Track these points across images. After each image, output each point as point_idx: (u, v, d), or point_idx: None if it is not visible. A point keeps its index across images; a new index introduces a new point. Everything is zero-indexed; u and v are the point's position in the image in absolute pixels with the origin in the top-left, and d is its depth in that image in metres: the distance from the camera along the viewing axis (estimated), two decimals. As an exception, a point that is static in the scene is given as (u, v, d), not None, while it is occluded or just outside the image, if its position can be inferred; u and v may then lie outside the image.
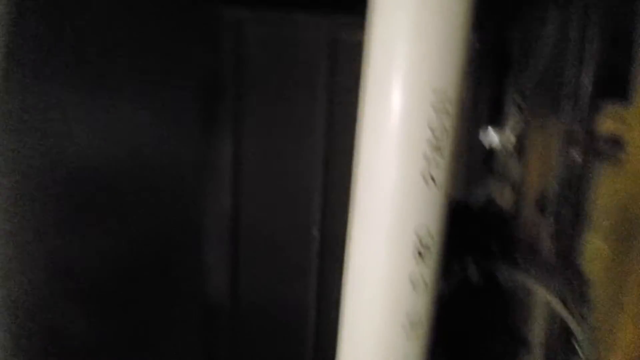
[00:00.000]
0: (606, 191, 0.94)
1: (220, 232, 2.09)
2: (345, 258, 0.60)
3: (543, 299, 1.01)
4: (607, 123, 0.97)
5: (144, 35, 0.96)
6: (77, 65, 0.75)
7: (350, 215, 0.59)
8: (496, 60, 1.72)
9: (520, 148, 1.36)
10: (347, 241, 0.58)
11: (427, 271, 0.53)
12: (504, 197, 1.47)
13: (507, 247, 1.43)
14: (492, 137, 1.37)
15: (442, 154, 0.52)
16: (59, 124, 0.73)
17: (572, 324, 0.99)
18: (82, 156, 0.79)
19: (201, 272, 1.47)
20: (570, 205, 1.04)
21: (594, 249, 1.01)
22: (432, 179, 0.51)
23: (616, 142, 0.94)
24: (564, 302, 1.02)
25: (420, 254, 0.52)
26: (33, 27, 0.64)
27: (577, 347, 0.97)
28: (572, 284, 1.06)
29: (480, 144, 1.50)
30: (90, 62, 0.79)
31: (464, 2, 0.51)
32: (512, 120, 1.43)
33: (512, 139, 1.37)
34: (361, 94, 0.58)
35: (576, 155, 1.00)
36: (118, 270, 0.93)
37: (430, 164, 0.51)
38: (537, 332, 1.10)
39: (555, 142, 1.04)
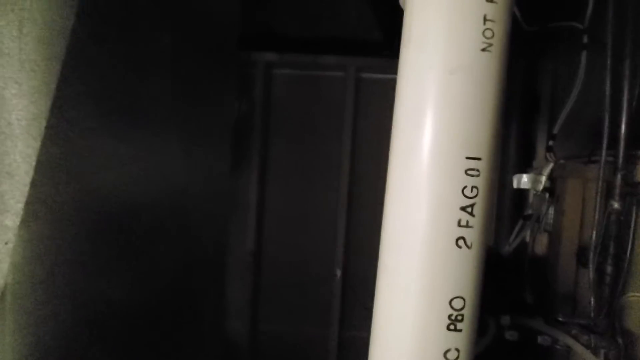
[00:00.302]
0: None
1: (242, 269, 2.08)
2: (373, 326, 0.57)
3: (583, 358, 0.92)
4: (647, 171, 0.92)
5: (182, 81, 1.01)
6: (119, 118, 0.80)
7: (378, 278, 0.56)
8: (527, 102, 1.69)
9: (554, 193, 1.31)
10: (375, 307, 0.56)
11: (462, 342, 0.49)
12: (539, 245, 1.40)
13: (543, 300, 1.33)
14: (523, 180, 1.33)
15: (476, 216, 0.49)
16: (101, 171, 0.76)
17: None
18: (121, 197, 0.82)
19: (223, 309, 1.45)
20: (611, 256, 0.97)
21: (638, 303, 0.92)
22: (466, 243, 0.49)
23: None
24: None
25: (454, 326, 0.48)
26: (78, 85, 0.69)
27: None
28: (616, 341, 0.96)
29: (511, 187, 1.46)
30: (130, 112, 0.83)
31: (498, 67, 0.50)
32: (544, 163, 1.39)
33: (545, 182, 1.33)
34: (390, 156, 0.57)
35: (616, 204, 0.95)
36: (144, 310, 0.93)
37: (464, 229, 0.49)
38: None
39: (594, 190, 1.00)
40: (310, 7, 1.83)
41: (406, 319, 0.50)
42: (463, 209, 0.49)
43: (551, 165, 1.31)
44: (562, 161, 1.28)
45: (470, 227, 0.49)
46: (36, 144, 0.62)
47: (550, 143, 1.32)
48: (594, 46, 1.18)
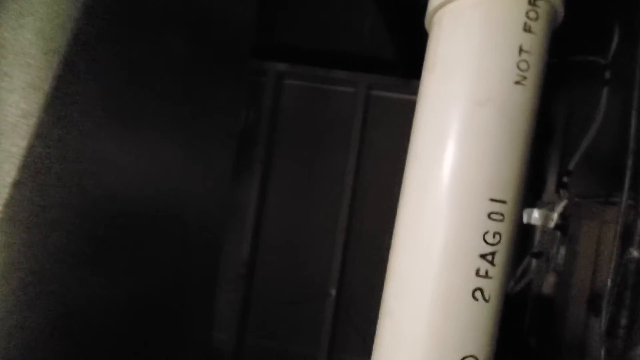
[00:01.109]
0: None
1: (234, 278, 2.02)
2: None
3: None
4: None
5: (189, 87, 0.97)
6: (117, 120, 0.75)
7: (380, 321, 0.51)
8: (539, 132, 1.64)
9: (566, 232, 1.25)
10: (375, 354, 0.50)
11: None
12: (546, 284, 1.34)
13: (548, 345, 1.26)
14: (534, 215, 1.28)
15: (497, 266, 0.44)
16: (92, 174, 0.71)
17: None
18: (113, 202, 0.77)
19: (211, 317, 1.39)
20: (626, 308, 0.91)
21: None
22: (484, 296, 0.43)
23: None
24: None
25: None
26: (76, 84, 0.65)
27: None
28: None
29: (520, 222, 1.39)
30: (129, 115, 0.79)
31: (531, 102, 0.46)
32: (556, 199, 1.34)
33: (556, 218, 1.28)
34: (403, 188, 0.52)
35: (635, 252, 0.89)
36: (125, 323, 0.87)
37: (482, 279, 0.43)
38: None
39: (611, 234, 0.94)
40: (325, 20, 1.81)
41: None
42: (483, 256, 0.43)
43: (564, 202, 1.25)
44: (576, 199, 1.23)
45: (490, 277, 0.43)
46: (23, 143, 0.58)
47: (565, 179, 1.27)
48: (615, 81, 1.14)
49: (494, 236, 0.44)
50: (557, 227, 1.26)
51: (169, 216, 0.98)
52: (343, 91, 2.31)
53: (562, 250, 1.25)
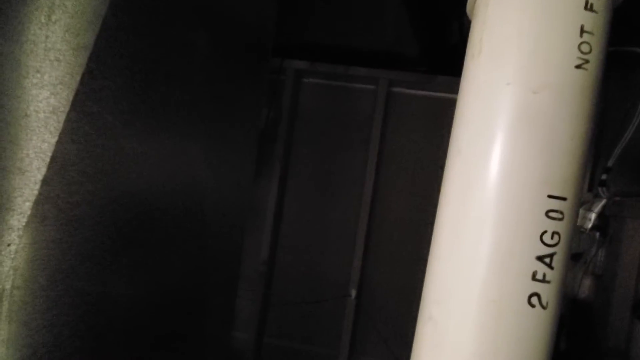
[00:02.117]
0: None
1: (254, 276, 2.01)
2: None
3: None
4: None
5: (212, 85, 0.96)
6: (142, 117, 0.74)
7: (419, 328, 0.47)
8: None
9: (606, 232, 1.18)
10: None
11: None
12: (583, 288, 1.26)
13: (583, 350, 1.19)
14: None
15: (555, 269, 0.40)
16: (118, 172, 0.71)
17: None
18: (137, 199, 0.77)
19: (231, 315, 1.38)
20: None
21: None
22: (541, 302, 0.39)
23: None
24: None
25: None
26: (103, 80, 0.64)
27: None
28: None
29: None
30: (154, 112, 0.78)
31: (593, 87, 0.41)
32: (592, 198, 1.26)
33: (594, 219, 1.20)
34: (443, 186, 0.48)
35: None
36: (148, 322, 0.87)
37: (539, 284, 0.39)
38: None
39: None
40: (345, 17, 1.78)
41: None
42: (540, 259, 0.39)
43: (604, 201, 1.18)
44: (617, 198, 1.16)
45: (547, 282, 0.39)
46: (52, 139, 0.57)
47: (604, 177, 1.20)
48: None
49: (552, 237, 0.40)
50: (595, 227, 1.19)
51: (191, 215, 0.97)
52: (363, 88, 2.27)
53: (602, 252, 1.18)
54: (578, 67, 0.40)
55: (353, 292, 2.00)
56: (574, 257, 1.26)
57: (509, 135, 0.41)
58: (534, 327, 0.39)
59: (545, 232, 0.39)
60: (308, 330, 2.04)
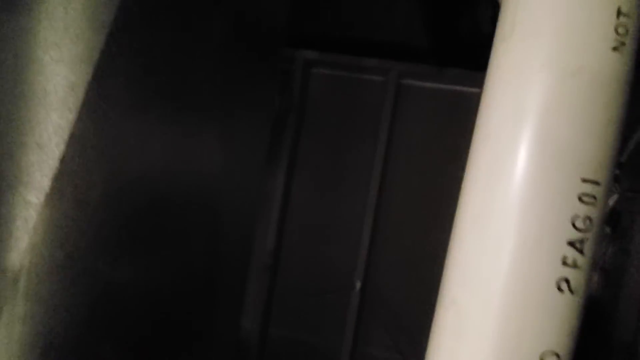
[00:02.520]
0: None
1: (260, 268, 2.02)
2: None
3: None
4: None
5: (227, 71, 0.95)
6: (160, 100, 0.74)
7: (438, 311, 0.47)
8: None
9: (616, 227, 1.18)
10: (432, 348, 0.46)
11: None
12: (591, 284, 1.26)
13: (589, 347, 1.19)
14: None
15: (586, 255, 0.39)
16: (135, 153, 0.71)
17: None
18: (154, 183, 0.77)
19: (240, 306, 1.39)
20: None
21: None
22: (569, 287, 0.39)
23: None
24: None
25: None
26: (121, 58, 0.63)
27: None
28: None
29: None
30: (171, 95, 0.78)
31: (628, 70, 0.40)
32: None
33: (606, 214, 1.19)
34: (468, 166, 0.47)
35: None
36: (162, 305, 0.87)
37: (569, 269, 0.39)
38: None
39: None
40: (356, 6, 1.76)
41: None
42: (571, 244, 0.39)
43: (616, 196, 1.17)
44: (629, 193, 1.15)
45: (578, 267, 0.39)
46: (71, 116, 0.57)
47: (617, 172, 1.19)
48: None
49: (584, 222, 0.39)
50: (607, 223, 1.18)
51: (204, 204, 0.97)
52: (372, 80, 2.24)
53: (612, 248, 1.17)
54: (614, 49, 0.39)
55: (358, 284, 2.01)
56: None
57: (541, 120, 0.40)
58: (562, 312, 0.39)
59: (577, 216, 0.39)
60: (312, 321, 2.05)
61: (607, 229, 1.20)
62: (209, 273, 1.05)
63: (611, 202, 1.17)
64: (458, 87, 2.00)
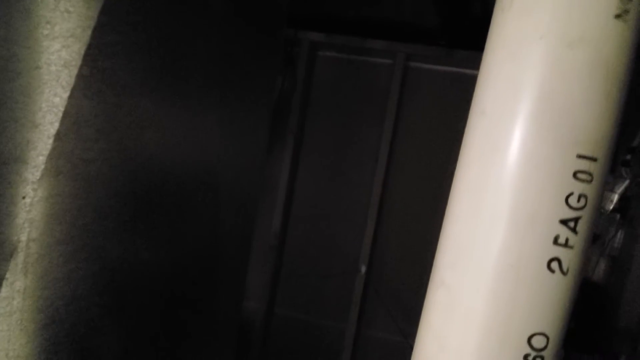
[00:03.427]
0: None
1: (265, 249, 2.04)
2: (415, 352, 0.47)
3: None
4: None
5: (226, 49, 0.94)
6: (156, 76, 0.73)
7: (429, 294, 0.46)
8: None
9: (626, 214, 1.14)
10: (422, 332, 0.46)
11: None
12: (598, 269, 1.24)
13: (593, 330, 1.18)
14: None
15: (579, 234, 0.38)
16: (132, 131, 0.71)
17: None
18: (152, 162, 0.77)
19: (243, 286, 1.41)
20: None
21: None
22: (561, 267, 0.38)
23: None
24: None
25: None
26: (115, 35, 0.62)
27: None
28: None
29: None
30: (168, 72, 0.77)
31: (633, 40, 0.38)
32: (618, 179, 1.21)
33: (616, 200, 1.16)
34: (464, 145, 0.46)
35: None
36: (163, 280, 0.89)
37: (561, 249, 0.38)
38: None
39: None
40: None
41: (468, 353, 0.40)
42: (564, 222, 0.37)
43: (626, 182, 1.14)
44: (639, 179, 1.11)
45: (570, 247, 0.38)
46: (64, 94, 0.57)
47: (628, 157, 1.15)
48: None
49: (579, 199, 0.38)
50: (616, 209, 1.15)
51: (203, 180, 0.97)
52: (380, 63, 2.20)
53: (621, 234, 1.15)
54: (618, 16, 0.36)
55: (363, 268, 2.02)
56: (592, 239, 1.23)
57: (539, 93, 0.38)
58: (553, 293, 0.38)
59: (571, 194, 0.37)
60: (317, 303, 2.08)
61: (617, 216, 1.17)
62: (210, 252, 1.06)
63: (621, 188, 1.14)
64: (468, 70, 1.95)
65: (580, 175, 0.37)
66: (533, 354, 0.38)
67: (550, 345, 0.39)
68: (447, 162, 1.88)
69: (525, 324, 0.38)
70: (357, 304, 2.03)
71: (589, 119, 0.37)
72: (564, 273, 0.38)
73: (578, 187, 0.37)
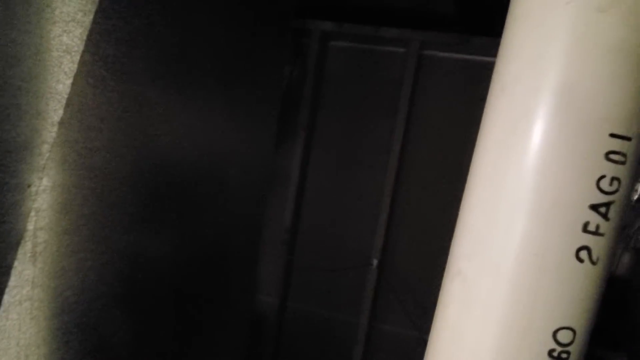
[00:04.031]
0: None
1: (277, 243, 2.04)
2: (430, 347, 0.44)
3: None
4: None
5: (230, 41, 0.92)
6: (160, 64, 0.72)
7: (445, 285, 0.44)
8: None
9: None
10: (438, 324, 0.43)
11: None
12: (621, 263, 1.18)
13: (615, 326, 1.12)
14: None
15: (611, 220, 0.34)
16: (137, 121, 0.70)
17: None
18: (157, 152, 0.76)
19: (254, 279, 1.41)
20: None
21: None
22: (590, 257, 0.35)
23: None
24: None
25: None
26: (117, 19, 0.61)
27: None
28: None
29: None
30: (174, 60, 0.75)
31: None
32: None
33: (638, 189, 1.09)
34: (482, 127, 0.42)
35: None
36: (173, 272, 0.88)
37: (591, 237, 0.34)
38: None
39: None
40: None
41: (486, 346, 0.37)
42: (595, 207, 0.34)
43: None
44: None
45: (601, 234, 0.34)
46: (67, 81, 0.56)
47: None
48: None
49: (611, 182, 0.34)
50: (637, 198, 1.08)
51: (211, 173, 0.96)
52: (392, 52, 2.14)
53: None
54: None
55: (375, 262, 1.99)
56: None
57: (566, 64, 0.34)
58: (581, 285, 0.34)
59: (603, 177, 0.33)
60: (330, 297, 2.06)
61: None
62: (218, 242, 1.05)
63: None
64: (484, 58, 1.88)
65: (612, 156, 0.33)
66: (559, 349, 0.35)
67: (577, 340, 0.35)
68: (462, 154, 1.82)
69: (550, 317, 0.35)
70: (369, 297, 2.01)
71: (623, 94, 0.33)
72: (593, 263, 0.34)
73: (610, 169, 0.33)
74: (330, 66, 2.07)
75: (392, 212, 1.94)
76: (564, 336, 0.35)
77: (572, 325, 0.35)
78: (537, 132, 0.36)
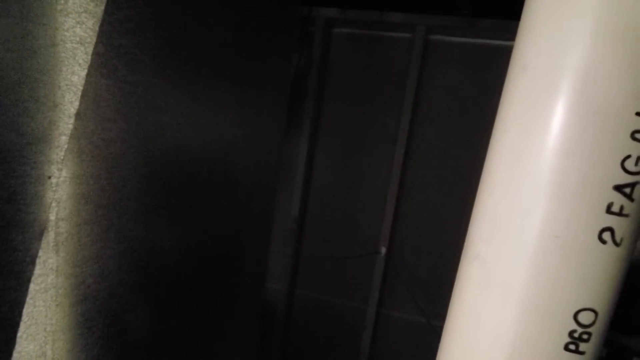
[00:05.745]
0: None
1: (285, 234, 2.06)
2: (446, 330, 0.45)
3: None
4: None
5: (241, 29, 0.91)
6: (170, 55, 0.72)
7: (461, 269, 0.44)
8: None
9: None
10: (454, 307, 0.43)
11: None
12: (638, 246, 1.16)
13: (630, 316, 1.12)
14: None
15: (636, 201, 0.34)
16: (150, 111, 0.70)
17: None
18: (169, 143, 0.76)
19: (264, 268, 1.42)
20: None
21: None
22: (614, 238, 0.35)
23: None
24: None
25: (575, 347, 0.35)
26: (128, 10, 0.61)
27: None
28: None
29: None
30: (184, 50, 0.75)
31: None
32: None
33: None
34: (500, 107, 0.42)
35: None
36: (189, 260, 0.90)
37: (615, 218, 0.34)
38: None
39: None
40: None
41: (505, 328, 0.38)
42: (619, 188, 0.33)
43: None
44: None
45: (625, 215, 0.34)
46: (82, 72, 0.56)
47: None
48: None
49: (636, 162, 0.34)
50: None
51: (223, 161, 0.97)
52: (398, 37, 2.11)
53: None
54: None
55: (383, 250, 2.00)
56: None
57: (591, 41, 0.34)
58: (604, 266, 0.34)
59: (628, 156, 0.33)
60: (338, 284, 2.09)
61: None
62: (230, 232, 1.07)
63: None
64: (492, 41, 1.84)
65: (638, 135, 0.33)
66: (580, 330, 0.35)
67: (598, 321, 0.36)
68: (471, 141, 1.81)
69: (572, 299, 0.35)
70: (377, 285, 2.03)
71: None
72: (616, 244, 0.34)
73: (636, 149, 0.33)
74: (335, 54, 2.05)
75: (400, 200, 1.95)
76: (586, 317, 0.36)
77: (594, 306, 0.35)
78: (560, 112, 0.36)
